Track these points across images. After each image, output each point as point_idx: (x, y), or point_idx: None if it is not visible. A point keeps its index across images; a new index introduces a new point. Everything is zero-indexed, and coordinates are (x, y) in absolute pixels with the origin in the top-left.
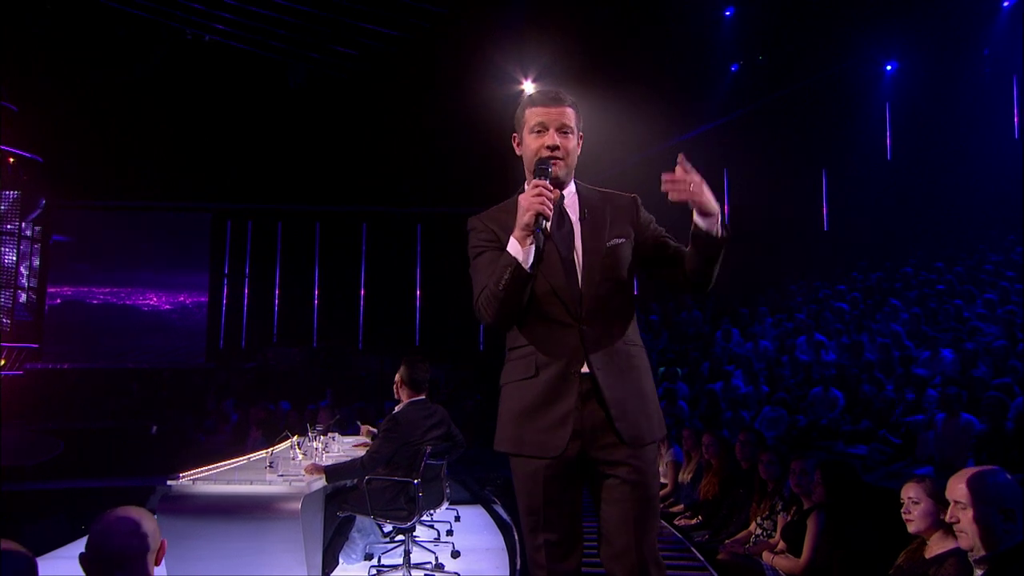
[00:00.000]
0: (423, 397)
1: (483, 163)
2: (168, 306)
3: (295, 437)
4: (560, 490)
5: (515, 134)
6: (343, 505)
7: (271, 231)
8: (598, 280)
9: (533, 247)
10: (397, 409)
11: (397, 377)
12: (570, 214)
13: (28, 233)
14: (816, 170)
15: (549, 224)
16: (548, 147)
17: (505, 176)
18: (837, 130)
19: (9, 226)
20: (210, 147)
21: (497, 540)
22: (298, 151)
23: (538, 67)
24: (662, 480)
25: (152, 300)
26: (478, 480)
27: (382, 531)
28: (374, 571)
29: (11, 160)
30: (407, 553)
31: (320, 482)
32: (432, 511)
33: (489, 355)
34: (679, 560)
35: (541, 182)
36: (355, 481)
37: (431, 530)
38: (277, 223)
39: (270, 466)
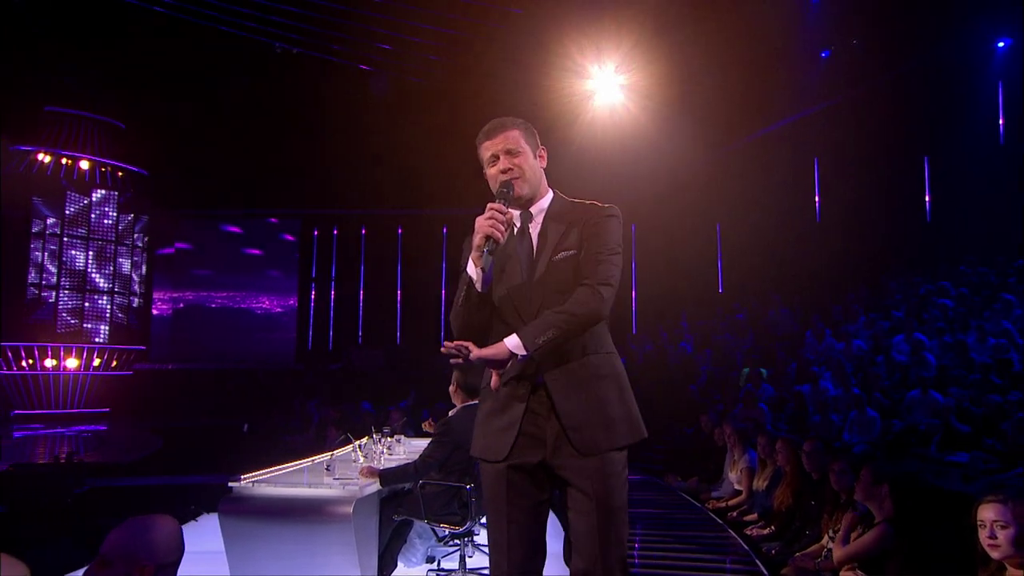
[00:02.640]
0: (475, 402)
1: (560, 161)
2: (279, 309)
3: (365, 439)
4: (519, 495)
5: (484, 171)
6: (399, 509)
7: (355, 236)
8: (550, 291)
9: (482, 267)
10: (451, 413)
11: (452, 382)
12: (531, 228)
13: (139, 243)
14: (917, 158)
15: (498, 245)
16: (502, 171)
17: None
18: (942, 114)
19: (121, 236)
20: (298, 156)
21: (558, 545)
22: (381, 157)
23: (616, 59)
24: (736, 486)
25: (264, 303)
26: None
27: (437, 536)
28: (432, 574)
29: (120, 174)
30: (463, 558)
31: (374, 486)
32: None
33: None
34: (743, 571)
35: (496, 205)
36: (411, 485)
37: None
38: (361, 228)
39: (327, 469)
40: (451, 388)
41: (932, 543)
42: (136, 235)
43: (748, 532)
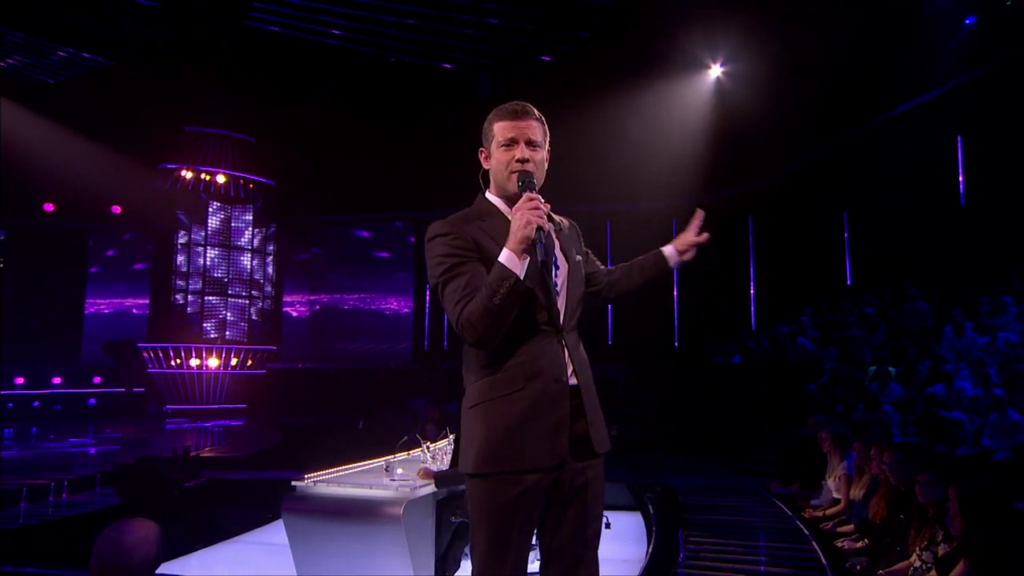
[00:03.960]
0: None
1: (675, 158)
2: (406, 310)
3: (444, 441)
4: (535, 510)
5: (482, 148)
6: (456, 511)
7: None
8: (574, 291)
9: (528, 261)
10: None
11: None
12: (550, 228)
13: (270, 250)
14: None
15: (544, 237)
16: (519, 160)
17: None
18: None
19: (254, 244)
20: (408, 160)
21: (639, 551)
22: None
23: (730, 45)
24: (834, 495)
25: (392, 304)
26: (636, 487)
27: None
28: None
29: (252, 186)
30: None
31: (428, 487)
32: None
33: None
34: None
35: (535, 195)
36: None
37: None
38: None
39: (386, 470)
40: None
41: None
42: (267, 242)
43: (839, 544)
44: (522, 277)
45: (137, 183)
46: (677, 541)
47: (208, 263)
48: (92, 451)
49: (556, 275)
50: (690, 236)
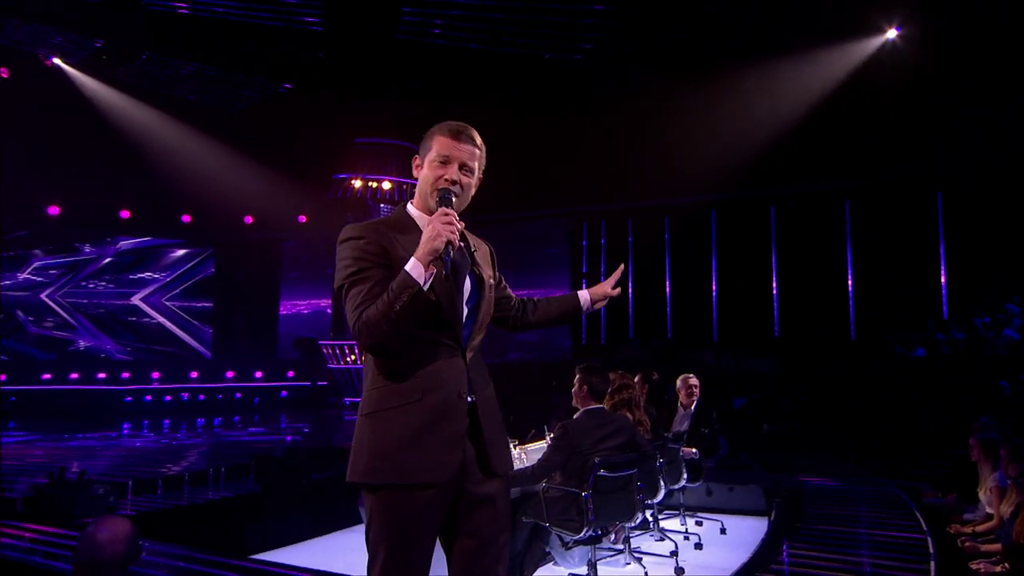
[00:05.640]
0: (601, 406)
1: (852, 129)
2: None
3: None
4: (433, 526)
5: (416, 157)
6: (527, 512)
7: (622, 229)
8: (483, 312)
9: (433, 273)
10: (576, 416)
11: (576, 383)
12: (464, 248)
13: None
14: None
15: (454, 253)
16: (447, 179)
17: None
18: None
19: None
20: (558, 157)
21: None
22: (643, 149)
23: (905, 7)
24: (988, 510)
25: None
26: (769, 491)
27: (562, 541)
28: None
29: (406, 189)
30: (593, 563)
31: None
32: (621, 524)
33: (863, 347)
34: None
35: (450, 211)
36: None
37: (684, 540)
38: (628, 221)
39: None
40: (575, 390)
41: None
42: None
43: (975, 567)
44: (425, 288)
45: (317, 194)
46: (775, 553)
47: None
48: (264, 439)
49: (466, 293)
50: (607, 288)
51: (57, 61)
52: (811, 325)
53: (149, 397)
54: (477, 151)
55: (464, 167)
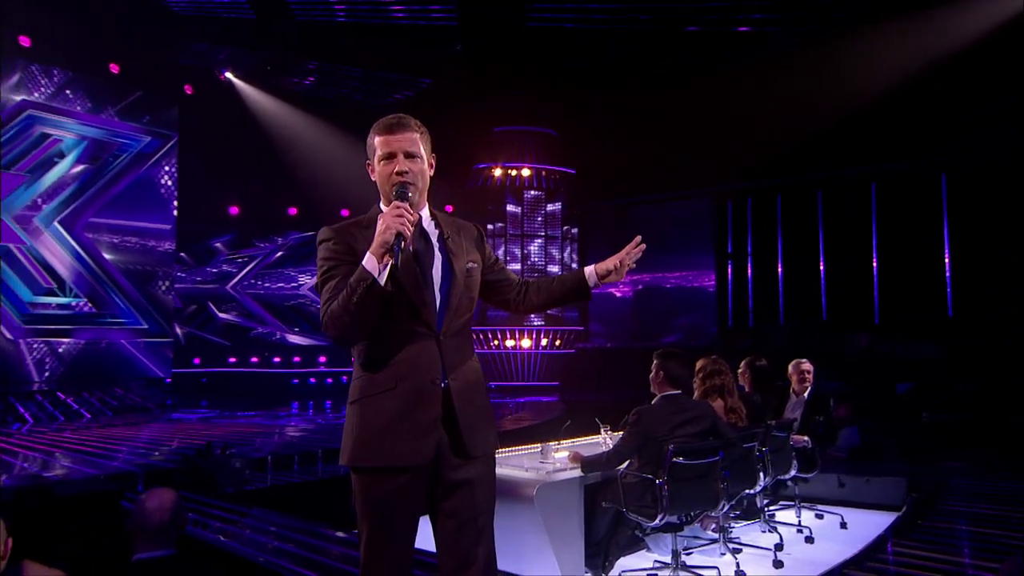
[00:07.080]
0: (678, 392)
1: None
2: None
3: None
4: (411, 506)
5: (368, 161)
6: (607, 496)
7: (771, 207)
8: (458, 298)
9: (388, 265)
10: (654, 403)
11: (653, 369)
12: (429, 235)
13: (571, 235)
14: None
15: (407, 244)
16: (398, 173)
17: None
18: None
19: (556, 231)
20: (705, 133)
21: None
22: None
23: None
24: None
25: (712, 280)
26: (910, 485)
27: (642, 527)
28: (658, 564)
29: (556, 176)
30: (676, 551)
31: (569, 472)
32: (707, 513)
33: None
34: None
35: (402, 204)
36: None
37: (797, 532)
38: (776, 197)
39: (541, 452)
40: (652, 375)
41: None
42: (566, 227)
43: None
44: (381, 279)
45: (459, 185)
46: (878, 551)
47: (510, 251)
48: None
49: (437, 280)
50: (616, 261)
51: (228, 75)
52: (987, 306)
53: (313, 380)
54: (416, 135)
55: (409, 155)
